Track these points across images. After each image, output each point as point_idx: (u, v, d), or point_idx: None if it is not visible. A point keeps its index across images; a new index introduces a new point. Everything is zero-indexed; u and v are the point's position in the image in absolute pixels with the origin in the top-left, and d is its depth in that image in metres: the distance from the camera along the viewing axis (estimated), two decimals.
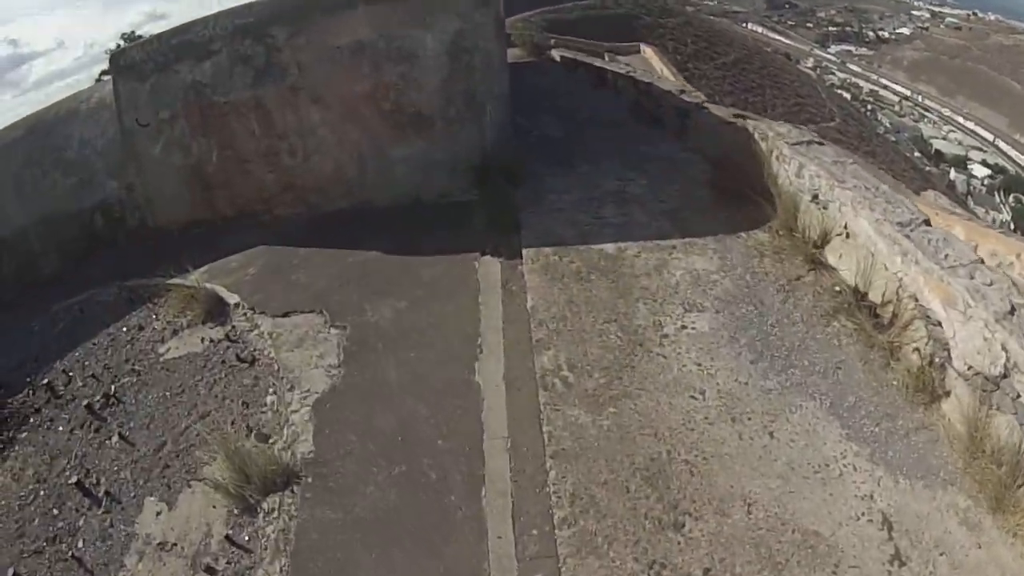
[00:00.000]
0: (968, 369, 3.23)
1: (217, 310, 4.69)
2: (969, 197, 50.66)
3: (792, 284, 4.21)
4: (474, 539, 3.02)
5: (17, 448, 4.04)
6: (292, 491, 3.30)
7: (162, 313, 4.82)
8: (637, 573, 2.79)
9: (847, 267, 4.03)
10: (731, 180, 5.00)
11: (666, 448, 3.31)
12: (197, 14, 5.32)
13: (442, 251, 4.99)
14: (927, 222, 3.65)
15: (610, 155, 6.31)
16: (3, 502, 3.71)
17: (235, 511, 3.29)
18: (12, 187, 5.77)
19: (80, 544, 3.37)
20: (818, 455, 3.25)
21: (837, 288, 4.04)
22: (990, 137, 65.99)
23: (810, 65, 73.55)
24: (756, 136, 4.99)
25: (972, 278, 3.28)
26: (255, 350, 4.29)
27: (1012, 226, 47.30)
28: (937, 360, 3.41)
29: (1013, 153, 62.91)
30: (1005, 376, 3.05)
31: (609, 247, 4.80)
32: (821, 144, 4.55)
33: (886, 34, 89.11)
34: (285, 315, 4.49)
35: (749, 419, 3.44)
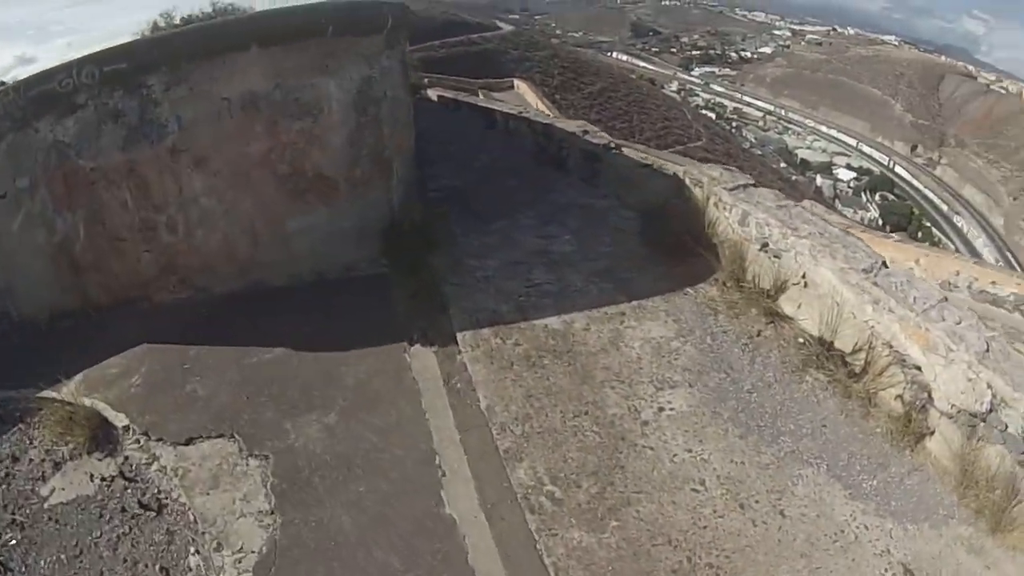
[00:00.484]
0: (952, 408, 3.33)
1: (103, 434, 3.89)
2: (836, 200, 58.13)
3: (754, 341, 4.18)
4: None
5: None
6: None
7: (38, 438, 3.96)
8: None
9: (808, 316, 4.07)
10: (664, 231, 4.96)
11: (685, 555, 3.04)
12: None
13: (362, 341, 4.45)
14: (885, 264, 3.76)
15: (522, 207, 6.08)
16: None
17: None
18: None
19: None
20: (831, 524, 3.18)
21: (801, 340, 4.06)
22: (853, 142, 76.72)
23: (674, 88, 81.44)
24: (688, 182, 4.99)
25: (944, 320, 3.39)
26: (160, 492, 3.57)
27: (880, 222, 54.79)
28: (918, 403, 3.49)
29: (876, 155, 73.58)
30: (992, 411, 3.16)
31: (553, 321, 4.53)
32: (756, 187, 4.63)
33: (748, 54, 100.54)
34: (188, 442, 3.73)
35: (757, 502, 3.29)
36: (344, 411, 3.96)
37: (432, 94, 11.41)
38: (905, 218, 60.36)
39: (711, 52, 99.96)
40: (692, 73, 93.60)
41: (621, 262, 5.06)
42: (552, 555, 3.07)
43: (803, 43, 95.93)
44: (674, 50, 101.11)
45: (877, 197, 64.45)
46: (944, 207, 63.32)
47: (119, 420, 3.93)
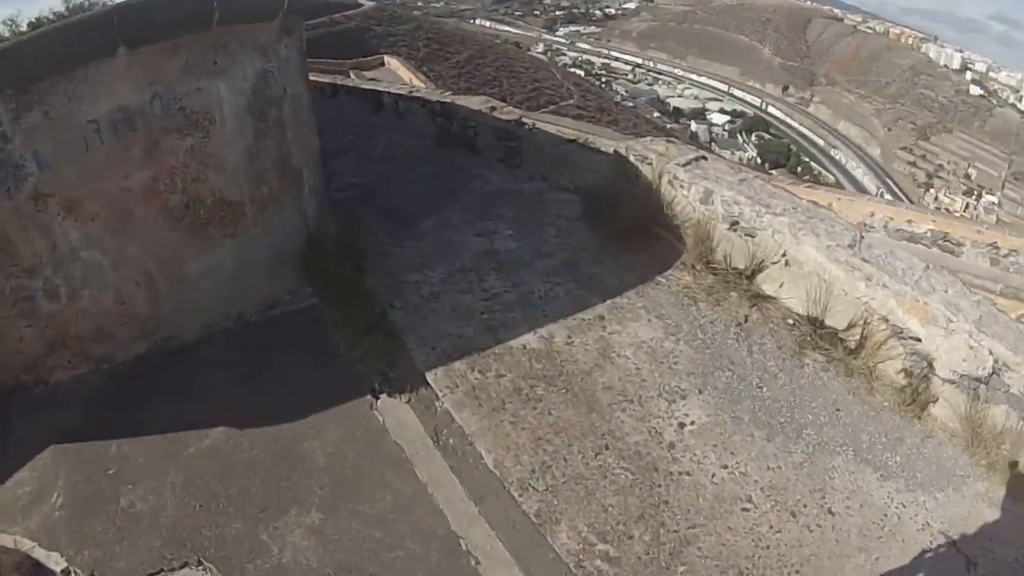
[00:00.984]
0: (954, 375, 3.57)
1: None
2: (713, 143, 62.43)
3: (744, 328, 4.16)
4: None
5: None
6: None
7: None
8: None
9: (793, 296, 4.12)
10: (613, 214, 4.73)
11: None
12: None
13: (315, 402, 3.81)
14: (862, 235, 3.86)
15: (445, 200, 5.52)
16: None
17: None
18: None
19: None
20: (874, 510, 3.31)
21: (790, 321, 4.11)
22: (724, 88, 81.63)
23: (540, 50, 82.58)
24: (632, 159, 4.75)
25: (935, 290, 3.59)
26: None
27: (759, 160, 59.72)
28: (919, 373, 3.70)
29: (749, 98, 79.20)
30: (994, 374, 3.43)
31: (530, 339, 4.17)
32: (706, 159, 4.52)
33: (612, 10, 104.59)
34: None
35: (805, 506, 3.31)
36: (326, 504, 3.35)
37: None
38: (783, 155, 67.04)
39: (575, 11, 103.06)
40: (557, 34, 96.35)
41: (577, 255, 4.77)
42: None
43: None
44: (537, 12, 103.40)
45: (753, 137, 70.86)
46: (821, 142, 71.37)
47: (54, 562, 3.03)
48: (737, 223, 4.23)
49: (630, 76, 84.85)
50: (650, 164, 4.63)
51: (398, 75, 19.26)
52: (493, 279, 4.66)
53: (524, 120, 5.64)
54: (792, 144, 70.82)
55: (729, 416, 3.70)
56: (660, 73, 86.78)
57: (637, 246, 4.64)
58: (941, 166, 62.30)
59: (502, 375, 3.96)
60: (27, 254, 3.45)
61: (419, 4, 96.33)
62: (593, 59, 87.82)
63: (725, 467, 3.48)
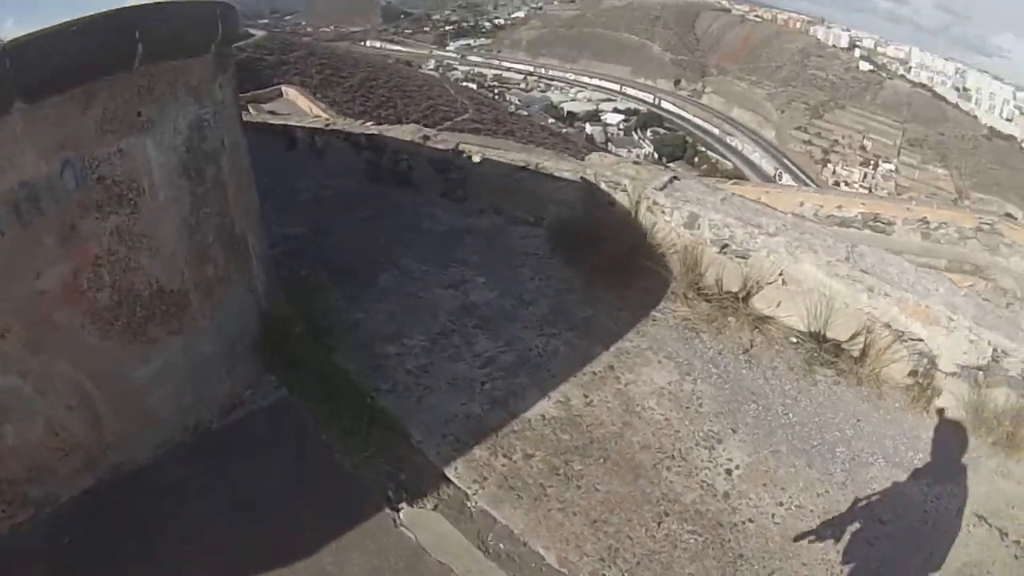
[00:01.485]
0: (956, 367, 3.94)
1: None
2: (609, 143, 63.67)
3: (751, 355, 4.29)
4: None
5: None
6: None
7: None
8: None
9: (791, 313, 4.30)
10: (592, 247, 4.65)
11: None
12: None
13: (326, 528, 3.37)
14: (854, 246, 4.10)
15: (396, 247, 5.17)
16: None
17: None
18: None
19: None
20: (917, 511, 3.58)
21: (793, 339, 4.30)
22: (617, 87, 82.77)
23: (432, 67, 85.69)
24: (603, 186, 4.65)
25: (931, 292, 3.91)
26: None
27: (656, 154, 61.41)
28: (923, 370, 4.04)
29: (642, 95, 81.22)
30: (994, 361, 3.81)
31: (546, 407, 4.04)
32: (678, 179, 4.54)
33: (501, 21, 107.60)
34: None
35: (859, 523, 3.50)
36: None
37: None
38: (679, 148, 70.24)
39: (464, 25, 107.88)
40: (448, 49, 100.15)
41: (563, 298, 4.66)
42: None
43: (555, 2, 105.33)
44: (427, 29, 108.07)
45: (648, 133, 73.71)
46: (716, 131, 75.03)
47: None
48: (727, 246, 4.33)
49: (522, 85, 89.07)
50: (624, 190, 4.59)
51: (297, 105, 19.43)
52: (482, 339, 4.45)
53: (462, 148, 5.35)
54: (688, 136, 75.38)
55: (769, 451, 3.83)
56: (552, 79, 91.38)
57: (623, 280, 4.62)
58: (836, 141, 68.36)
59: (530, 455, 3.81)
60: None
61: (309, 30, 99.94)
62: (485, 71, 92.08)
63: (781, 504, 3.60)
